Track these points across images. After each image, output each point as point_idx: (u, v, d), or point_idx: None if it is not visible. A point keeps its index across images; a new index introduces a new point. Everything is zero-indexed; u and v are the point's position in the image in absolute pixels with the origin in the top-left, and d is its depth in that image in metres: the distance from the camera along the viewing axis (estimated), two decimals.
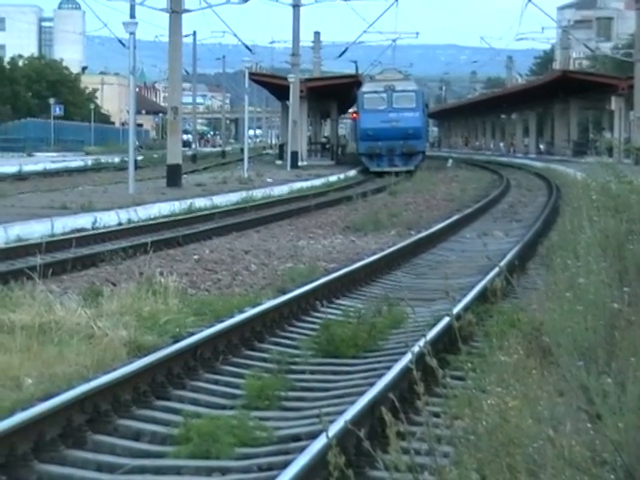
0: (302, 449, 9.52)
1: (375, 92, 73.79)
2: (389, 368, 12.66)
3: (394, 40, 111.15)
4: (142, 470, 10.30)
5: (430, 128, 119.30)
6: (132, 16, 63.83)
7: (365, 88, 76.77)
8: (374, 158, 72.47)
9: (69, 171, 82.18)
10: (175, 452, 10.86)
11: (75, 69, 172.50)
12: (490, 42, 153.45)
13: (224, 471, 10.18)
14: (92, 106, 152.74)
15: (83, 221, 34.69)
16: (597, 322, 10.11)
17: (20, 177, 70.88)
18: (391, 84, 73.14)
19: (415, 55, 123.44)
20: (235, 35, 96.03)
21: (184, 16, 64.50)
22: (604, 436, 5.48)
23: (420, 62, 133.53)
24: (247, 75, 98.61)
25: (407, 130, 69.95)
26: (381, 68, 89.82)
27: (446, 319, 14.80)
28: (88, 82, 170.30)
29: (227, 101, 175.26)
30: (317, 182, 65.19)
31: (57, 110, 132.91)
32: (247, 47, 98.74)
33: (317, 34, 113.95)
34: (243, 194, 52.51)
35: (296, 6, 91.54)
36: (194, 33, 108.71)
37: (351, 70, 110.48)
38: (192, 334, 15.32)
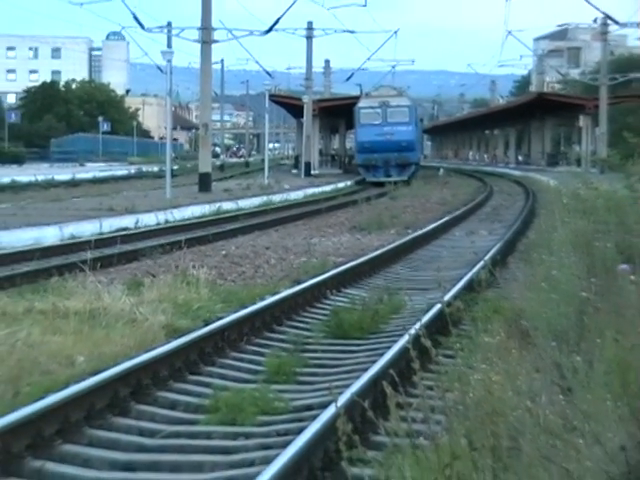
0: (314, 417, 9.54)
1: (371, 107, 71.87)
2: (389, 348, 12.66)
3: (393, 66, 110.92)
4: (177, 435, 10.34)
5: (424, 142, 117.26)
6: (169, 46, 64.09)
7: (361, 104, 74.83)
8: (370, 169, 70.37)
9: (115, 179, 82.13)
10: (206, 420, 10.91)
11: (120, 91, 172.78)
12: (476, 68, 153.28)
13: (248, 436, 10.20)
14: (134, 123, 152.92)
15: (127, 221, 34.70)
16: (568, 309, 10.11)
17: (73, 184, 70.86)
18: (386, 100, 71.43)
19: (411, 79, 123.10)
20: (257, 62, 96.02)
21: (213, 46, 64.47)
22: (574, 406, 5.47)
23: (416, 85, 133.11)
24: (267, 96, 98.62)
25: (401, 143, 68.15)
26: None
27: (438, 306, 14.81)
28: (131, 102, 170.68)
29: (250, 119, 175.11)
30: (327, 188, 64.56)
31: (105, 126, 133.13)
32: (267, 72, 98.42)
33: (327, 61, 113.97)
34: (264, 198, 52.49)
35: (309, 37, 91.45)
36: (222, 61, 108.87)
37: (356, 92, 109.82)
38: (220, 318, 15.32)
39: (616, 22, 74.29)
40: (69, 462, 9.35)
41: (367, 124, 70.14)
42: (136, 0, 66.93)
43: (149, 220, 36.08)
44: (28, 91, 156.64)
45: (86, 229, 31.42)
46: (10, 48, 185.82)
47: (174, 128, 79.12)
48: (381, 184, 63.12)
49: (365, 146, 69.78)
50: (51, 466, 9.19)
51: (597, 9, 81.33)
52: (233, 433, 10.34)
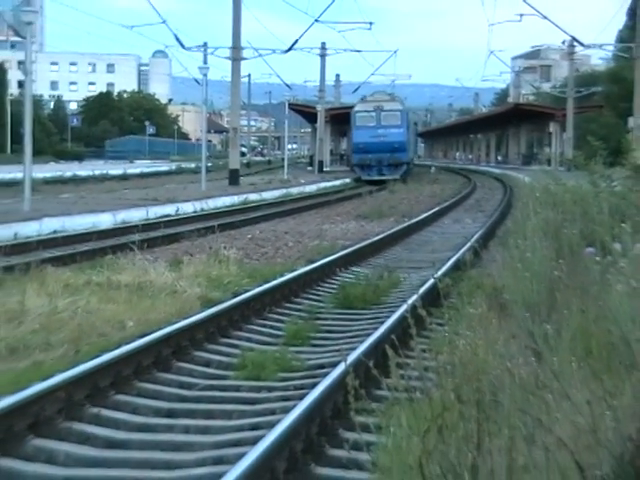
0: (326, 374, 9.55)
1: (366, 111, 68.44)
2: (389, 317, 12.67)
3: (393, 80, 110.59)
4: (211, 388, 10.38)
5: (418, 144, 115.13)
6: (205, 62, 64.11)
7: (357, 108, 71.35)
8: (365, 168, 66.71)
9: (159, 174, 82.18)
10: (235, 375, 10.95)
11: (163, 100, 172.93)
12: (462, 82, 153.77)
13: (270, 389, 10.23)
14: (175, 127, 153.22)
15: (169, 209, 34.73)
16: (540, 285, 10.08)
17: (124, 178, 71.01)
18: (380, 104, 68.18)
19: (408, 92, 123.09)
20: (278, 76, 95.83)
21: (242, 62, 64.56)
22: (545, 367, 5.45)
23: (412, 97, 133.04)
24: (287, 105, 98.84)
25: (393, 144, 64.94)
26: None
27: (431, 281, 14.80)
28: (172, 110, 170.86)
29: (272, 124, 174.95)
30: (336, 183, 63.71)
31: (150, 130, 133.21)
32: (287, 85, 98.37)
33: (337, 76, 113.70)
34: (283, 191, 52.50)
35: (322, 56, 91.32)
36: (249, 75, 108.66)
37: None
38: (247, 291, 15.36)
39: (581, 44, 73.99)
40: (121, 410, 9.41)
41: (362, 126, 67.43)
42: (177, 23, 66.95)
43: (187, 208, 36.11)
44: (87, 100, 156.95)
45: (135, 215, 31.46)
46: (72, 63, 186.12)
47: (208, 131, 79.03)
48: (376, 182, 60.91)
49: (360, 147, 67.08)
50: (106, 412, 9.24)
51: (565, 32, 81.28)
52: (257, 387, 10.39)
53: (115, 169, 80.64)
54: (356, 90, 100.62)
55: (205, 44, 65.01)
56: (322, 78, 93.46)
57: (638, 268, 6.75)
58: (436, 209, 38.00)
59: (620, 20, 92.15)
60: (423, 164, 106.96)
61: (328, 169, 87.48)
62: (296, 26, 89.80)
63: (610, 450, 4.08)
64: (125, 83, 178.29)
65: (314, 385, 9.16)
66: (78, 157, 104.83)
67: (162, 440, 8.56)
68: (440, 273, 16.22)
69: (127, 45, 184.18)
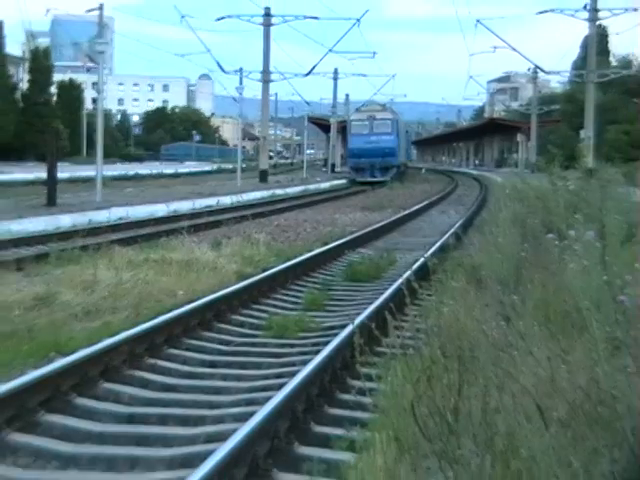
0: (336, 334, 9.55)
1: (360, 120, 64.36)
2: (388, 288, 12.69)
3: (391, 99, 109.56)
4: (244, 344, 10.39)
5: (411, 150, 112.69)
6: (240, 83, 64.13)
7: (352, 117, 67.68)
8: (359, 171, 62.47)
9: (203, 173, 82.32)
10: (263, 334, 11.00)
11: (207, 114, 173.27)
12: (448, 101, 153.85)
13: (292, 346, 10.25)
14: (217, 135, 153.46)
15: (211, 201, 34.75)
16: (509, 264, 10.07)
17: (176, 176, 71.11)
18: (372, 114, 64.19)
19: (404, 108, 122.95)
20: (299, 95, 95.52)
21: (270, 83, 64.81)
22: (512, 329, 5.45)
23: (406, 112, 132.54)
24: (306, 118, 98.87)
25: (384, 150, 60.89)
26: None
27: (422, 260, 14.78)
28: (214, 122, 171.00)
29: (294, 133, 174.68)
30: (345, 181, 63.61)
31: (197, 137, 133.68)
32: (306, 102, 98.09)
33: (347, 95, 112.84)
34: (303, 187, 52.59)
35: (335, 79, 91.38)
36: (276, 94, 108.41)
37: None
38: (273, 267, 15.40)
39: (543, 71, 73.68)
40: (172, 361, 9.44)
41: (357, 134, 63.46)
42: (219, 52, 66.93)
43: (225, 201, 36.11)
44: (146, 113, 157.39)
45: (184, 206, 31.51)
46: (135, 84, 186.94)
47: (243, 139, 79.13)
48: (369, 183, 57.32)
49: (355, 152, 63.18)
50: (161, 363, 9.28)
51: (530, 61, 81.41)
52: (282, 344, 10.42)
53: (168, 169, 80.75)
54: (361, 107, 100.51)
55: (241, 69, 64.96)
56: (334, 97, 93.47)
57: (588, 250, 6.73)
58: (426, 202, 38.03)
59: (575, 51, 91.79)
60: (416, 167, 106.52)
61: (339, 170, 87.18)
62: (314, 54, 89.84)
63: (565, 396, 4.07)
64: (177, 100, 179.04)
65: (327, 343, 9.17)
66: (139, 159, 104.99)
67: (205, 385, 8.60)
68: (429, 254, 16.20)
69: (179, 69, 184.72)
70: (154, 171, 73.85)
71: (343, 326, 9.95)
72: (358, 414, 7.20)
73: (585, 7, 56.84)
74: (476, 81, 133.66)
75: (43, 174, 32.49)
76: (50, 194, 29.97)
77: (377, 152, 59.92)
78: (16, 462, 6.48)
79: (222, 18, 61.46)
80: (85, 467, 6.42)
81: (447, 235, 20.64)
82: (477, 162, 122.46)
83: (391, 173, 60.74)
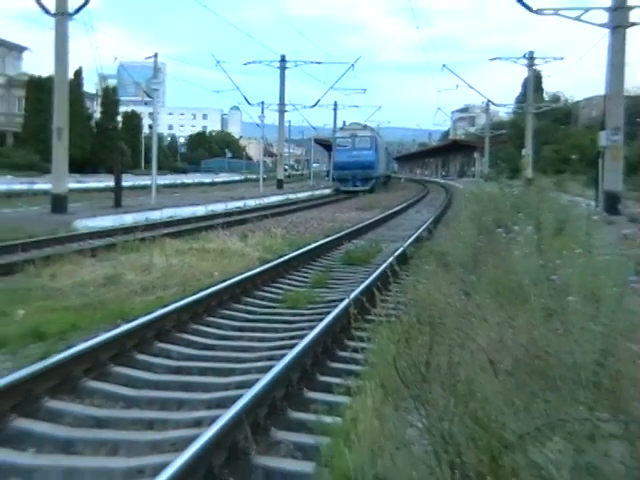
0: (336, 306, 9.54)
1: (344, 137, 59.55)
2: (376, 270, 12.66)
3: (378, 124, 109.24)
4: (265, 313, 10.38)
5: (392, 164, 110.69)
6: (262, 112, 63.94)
7: (337, 134, 62.67)
8: (343, 181, 57.01)
9: (234, 182, 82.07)
10: (279, 306, 10.95)
11: (237, 136, 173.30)
12: (421, 126, 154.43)
13: (302, 314, 10.23)
14: (244, 153, 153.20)
15: (240, 204, 34.69)
16: (469, 251, 10.06)
17: (212, 184, 70.95)
18: (354, 132, 59.40)
19: (388, 131, 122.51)
20: (307, 121, 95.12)
21: (285, 113, 64.88)
22: (471, 301, 5.45)
23: (389, 135, 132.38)
24: (313, 140, 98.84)
25: (364, 163, 56.30)
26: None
27: (402, 249, 14.77)
28: (242, 142, 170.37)
29: (304, 151, 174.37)
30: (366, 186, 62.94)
31: (229, 154, 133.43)
32: (313, 127, 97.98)
33: (344, 122, 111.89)
34: (310, 192, 52.64)
35: (335, 109, 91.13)
36: (289, 121, 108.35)
37: None
38: (287, 254, 15.39)
39: (493, 103, 73.78)
40: (210, 327, 9.44)
41: (341, 149, 58.69)
42: (245, 88, 66.92)
43: (251, 203, 36.04)
44: (190, 136, 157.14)
45: (218, 207, 31.47)
46: (181, 113, 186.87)
47: (264, 155, 79.32)
48: (351, 192, 52.57)
49: (339, 165, 58.34)
50: (200, 328, 9.28)
51: (484, 96, 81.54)
52: (293, 313, 10.39)
53: (207, 178, 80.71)
54: (345, 126, 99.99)
55: (262, 102, 64.97)
56: (334, 123, 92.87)
57: (528, 241, 6.72)
58: (405, 204, 37.93)
59: (517, 89, 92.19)
60: (397, 177, 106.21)
61: None
62: (319, 90, 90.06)
63: (510, 352, 4.06)
64: (213, 125, 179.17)
65: (329, 312, 9.17)
66: (184, 171, 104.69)
67: (235, 345, 8.60)
68: (407, 244, 16.21)
69: (215, 102, 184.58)
70: (196, 180, 73.84)
71: (341, 299, 9.94)
72: (352, 367, 7.22)
73: (525, 56, 59.77)
74: (443, 111, 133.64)
75: (111, 183, 32.58)
76: (117, 198, 30.06)
77: (358, 165, 56.30)
78: (92, 403, 6.51)
79: (249, 63, 61.61)
80: (144, 407, 6.45)
81: (421, 229, 20.70)
82: (443, 173, 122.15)
83: (371, 183, 56.99)
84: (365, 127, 61.99)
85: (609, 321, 3.94)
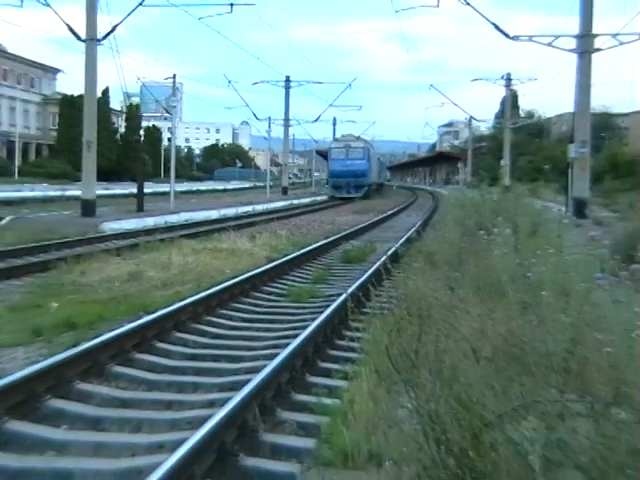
0: (335, 300, 9.54)
1: (338, 148, 57.50)
2: (371, 268, 12.64)
3: (372, 137, 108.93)
4: (273, 307, 10.38)
5: (385, 173, 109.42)
6: (269, 127, 63.91)
7: (332, 145, 60.43)
8: (337, 189, 55.26)
9: (243, 189, 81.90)
10: (283, 300, 10.94)
11: (246, 148, 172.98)
12: (411, 139, 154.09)
13: (304, 307, 10.23)
14: (253, 163, 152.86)
15: (249, 208, 34.64)
16: (453, 251, 10.06)
17: (224, 190, 70.96)
18: (348, 143, 57.72)
19: (381, 144, 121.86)
20: (309, 135, 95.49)
21: (290, 127, 65.07)
22: (456, 296, 5.45)
23: (383, 146, 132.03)
24: (314, 151, 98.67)
25: (357, 172, 54.58)
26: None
27: (394, 248, 14.76)
28: (252, 153, 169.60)
29: (307, 161, 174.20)
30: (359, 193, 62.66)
31: (239, 164, 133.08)
32: (314, 140, 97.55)
33: (342, 135, 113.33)
34: (312, 198, 52.54)
35: (334, 124, 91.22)
36: (293, 134, 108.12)
37: None
38: (291, 253, 15.39)
39: (475, 119, 74.02)
40: (222, 318, 9.45)
41: (336, 159, 56.81)
42: (254, 104, 66.94)
43: (259, 208, 36.02)
44: (205, 148, 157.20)
45: (229, 211, 31.41)
46: (197, 128, 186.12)
47: (270, 165, 79.37)
48: (346, 199, 51.20)
49: (334, 174, 56.71)
50: (213, 319, 9.29)
51: (466, 113, 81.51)
52: (297, 306, 10.38)
53: (219, 186, 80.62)
54: (339, 137, 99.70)
55: (269, 117, 64.83)
56: (334, 136, 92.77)
57: (506, 242, 6.72)
58: (397, 209, 37.93)
59: (496, 106, 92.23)
60: (390, 184, 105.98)
61: None
62: (319, 107, 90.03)
63: (490, 341, 4.07)
64: (225, 138, 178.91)
65: (328, 305, 9.17)
66: (199, 179, 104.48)
67: (244, 334, 8.60)
68: (398, 244, 16.18)
69: (227, 117, 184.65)
70: (210, 187, 73.81)
71: (339, 294, 9.94)
72: (350, 354, 7.22)
73: (503, 77, 60.30)
74: (430, 126, 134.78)
75: (134, 190, 32.55)
76: (139, 203, 30.05)
77: (352, 173, 54.75)
78: (118, 385, 6.53)
79: (257, 83, 61.38)
80: (164, 390, 6.46)
81: (411, 231, 20.64)
82: (431, 181, 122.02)
83: (363, 190, 55.28)
84: (358, 138, 60.62)
85: (577, 313, 3.95)
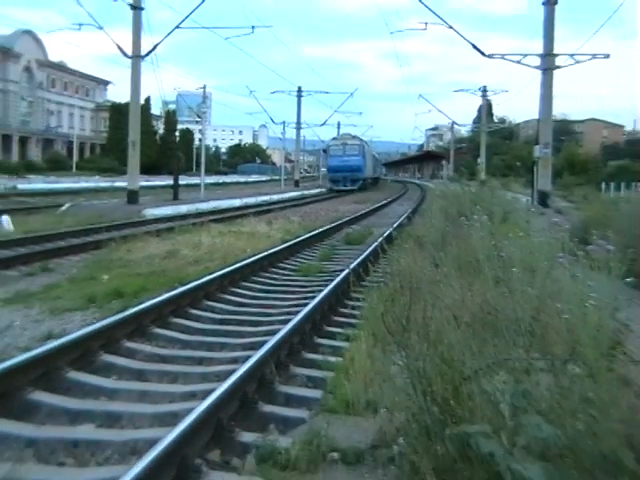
0: (338, 275, 9.52)
1: (336, 145, 54.74)
2: (368, 248, 12.60)
3: (371, 138, 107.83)
4: (286, 280, 10.35)
5: (380, 168, 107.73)
6: (283, 130, 63.72)
7: (331, 143, 57.22)
8: (335, 182, 52.32)
9: (262, 182, 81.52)
10: (295, 274, 10.90)
11: (264, 147, 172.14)
12: (402, 140, 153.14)
13: (312, 281, 10.18)
14: (270, 160, 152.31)
15: (266, 198, 34.45)
16: (438, 234, 10.03)
17: (246, 183, 70.65)
18: (345, 141, 54.94)
19: (378, 144, 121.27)
20: (318, 136, 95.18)
21: (301, 130, 64.76)
22: (440, 271, 5.44)
23: (379, 146, 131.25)
24: (322, 150, 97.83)
25: (352, 167, 52.01)
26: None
27: (388, 232, 14.72)
28: (269, 152, 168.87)
29: (315, 158, 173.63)
30: (354, 186, 62.24)
31: (258, 161, 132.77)
32: (322, 140, 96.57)
33: (341, 134, 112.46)
34: (319, 190, 52.35)
35: (338, 127, 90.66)
36: (304, 136, 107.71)
37: None
38: (302, 236, 15.35)
39: (457, 124, 73.69)
40: (244, 289, 9.43)
41: (334, 155, 53.96)
42: (272, 111, 66.62)
43: (275, 197, 35.85)
44: (230, 147, 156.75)
45: (250, 200, 31.27)
46: (223, 130, 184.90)
47: (285, 162, 79.10)
48: (343, 192, 48.69)
49: (332, 168, 53.83)
50: (237, 290, 9.28)
51: (449, 118, 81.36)
52: (306, 279, 10.34)
53: (242, 179, 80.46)
54: (338, 136, 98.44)
55: (284, 121, 64.76)
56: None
57: (483, 226, 6.69)
58: (390, 199, 37.71)
59: (474, 113, 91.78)
60: (385, 179, 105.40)
61: None
62: (326, 113, 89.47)
63: (469, 309, 4.07)
64: (247, 139, 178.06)
65: (333, 280, 9.13)
66: (225, 173, 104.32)
67: (263, 303, 8.58)
68: (392, 229, 16.13)
69: (248, 121, 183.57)
70: (233, 180, 73.70)
71: (342, 270, 9.93)
72: (351, 320, 7.23)
73: (480, 89, 59.97)
74: (419, 129, 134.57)
75: (171, 182, 32.54)
76: (175, 193, 30.09)
77: (348, 168, 52.13)
78: (157, 344, 6.53)
79: (274, 92, 61.95)
80: (195, 348, 6.47)
81: (402, 218, 20.60)
82: (419, 176, 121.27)
83: (359, 184, 52.65)
84: (354, 137, 57.78)
85: (541, 286, 3.95)
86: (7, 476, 3.52)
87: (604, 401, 2.92)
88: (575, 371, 3.01)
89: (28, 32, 69.18)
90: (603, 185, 38.86)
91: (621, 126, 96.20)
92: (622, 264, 3.52)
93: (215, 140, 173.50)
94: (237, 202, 29.59)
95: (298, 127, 64.26)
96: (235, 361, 5.75)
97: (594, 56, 25.50)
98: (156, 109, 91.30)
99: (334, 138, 60.25)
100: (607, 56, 25.78)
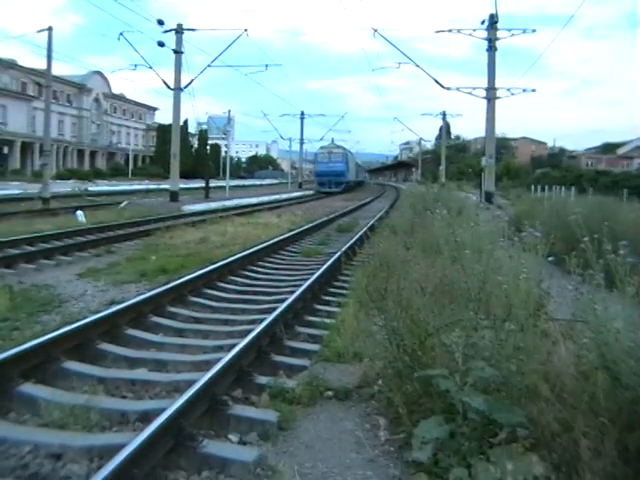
0: (333, 256, 9.46)
1: (323, 153, 51.65)
2: (355, 235, 12.53)
3: (357, 151, 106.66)
4: (292, 260, 10.28)
5: (363, 174, 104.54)
6: (290, 144, 63.10)
7: (318, 151, 53.94)
8: (322, 185, 48.73)
9: (273, 184, 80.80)
10: (298, 256, 10.82)
11: (275, 157, 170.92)
12: (381, 152, 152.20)
13: (312, 261, 10.09)
14: (280, 167, 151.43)
15: (277, 197, 34.26)
16: (408, 224, 10.01)
17: (261, 186, 69.93)
18: (330, 150, 52.00)
19: (362, 155, 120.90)
20: (322, 147, 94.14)
21: (304, 145, 64.14)
22: (410, 252, 5.44)
23: (364, 157, 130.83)
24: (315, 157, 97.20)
25: (336, 172, 49.06)
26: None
27: (371, 223, 14.67)
28: (279, 161, 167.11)
29: (314, 166, 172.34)
30: (338, 189, 62.11)
31: (270, 168, 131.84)
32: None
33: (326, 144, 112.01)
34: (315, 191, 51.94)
35: (332, 142, 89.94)
36: (306, 149, 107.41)
37: None
38: (305, 226, 15.25)
39: (423, 140, 73.20)
40: (259, 267, 9.38)
41: (321, 161, 50.95)
42: (281, 129, 66.09)
43: (283, 196, 35.55)
44: (248, 157, 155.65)
45: (264, 199, 31.02)
46: (244, 144, 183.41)
47: (291, 169, 78.57)
48: (328, 193, 44.86)
49: (320, 173, 50.39)
50: (253, 267, 9.23)
51: (417, 135, 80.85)
52: (307, 260, 10.25)
53: (258, 182, 79.80)
54: (324, 146, 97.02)
55: (290, 138, 64.62)
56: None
57: (443, 218, 6.68)
58: (372, 198, 37.48)
59: (436, 131, 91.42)
60: (368, 182, 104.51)
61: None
62: (322, 131, 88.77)
63: (432, 282, 4.08)
64: (261, 151, 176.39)
65: (328, 260, 9.06)
66: (245, 178, 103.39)
67: (273, 278, 8.53)
68: (374, 220, 16.08)
69: (263, 137, 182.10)
70: (251, 183, 73.06)
71: (336, 252, 9.90)
72: (343, 291, 7.23)
73: (441, 113, 59.55)
74: (394, 144, 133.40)
75: (203, 184, 32.37)
76: (206, 193, 29.99)
77: (332, 173, 49.40)
78: (193, 309, 6.53)
79: (282, 115, 62.61)
80: (222, 312, 6.47)
81: (381, 212, 20.47)
82: (395, 180, 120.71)
83: (342, 187, 49.51)
84: (338, 147, 54.91)
85: (486, 264, 3.96)
86: (86, 404, 3.62)
87: (530, 349, 3.01)
88: (510, 327, 3.06)
89: (98, 72, 71.60)
90: (532, 187, 38.95)
91: (544, 143, 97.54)
92: (546, 247, 3.55)
93: (237, 152, 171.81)
94: (254, 200, 29.42)
95: (301, 142, 64.09)
96: (253, 322, 5.74)
97: (524, 90, 26.37)
98: (192, 128, 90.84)
99: (321, 147, 57.06)
100: (534, 90, 26.89)
